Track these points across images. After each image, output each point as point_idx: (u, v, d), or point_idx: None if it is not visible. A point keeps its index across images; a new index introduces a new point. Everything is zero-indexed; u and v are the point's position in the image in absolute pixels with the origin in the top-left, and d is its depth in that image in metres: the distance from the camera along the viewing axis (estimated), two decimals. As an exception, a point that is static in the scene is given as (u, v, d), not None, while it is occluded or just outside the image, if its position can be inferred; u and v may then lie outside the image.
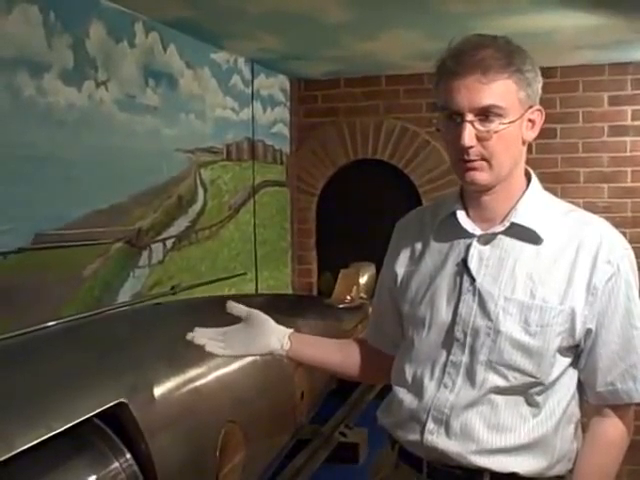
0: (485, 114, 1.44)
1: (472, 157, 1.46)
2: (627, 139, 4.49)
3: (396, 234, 1.75)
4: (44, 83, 2.60)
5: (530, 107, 1.49)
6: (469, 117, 1.44)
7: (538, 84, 1.51)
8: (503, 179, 1.51)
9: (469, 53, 1.45)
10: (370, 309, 2.17)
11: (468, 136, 1.44)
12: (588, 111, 4.51)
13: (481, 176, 1.48)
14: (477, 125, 1.44)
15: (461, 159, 1.48)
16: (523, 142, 1.52)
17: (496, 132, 1.44)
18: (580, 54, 4.13)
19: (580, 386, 1.59)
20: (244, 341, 1.66)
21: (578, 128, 4.51)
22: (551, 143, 4.37)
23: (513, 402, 1.51)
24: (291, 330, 1.72)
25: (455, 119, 1.46)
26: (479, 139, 1.45)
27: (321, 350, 1.78)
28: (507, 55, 1.45)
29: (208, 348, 1.62)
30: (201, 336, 1.63)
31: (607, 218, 1.60)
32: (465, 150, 1.45)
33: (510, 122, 1.45)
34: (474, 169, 1.48)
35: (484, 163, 1.47)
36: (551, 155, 4.42)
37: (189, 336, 1.63)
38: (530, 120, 1.51)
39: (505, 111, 1.45)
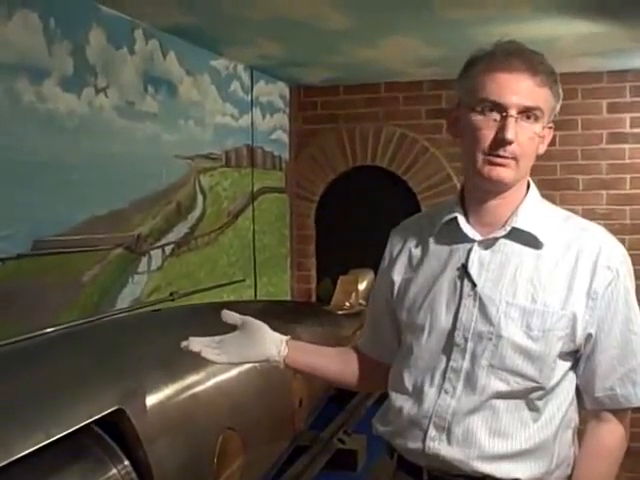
0: (527, 114, 1.46)
1: (506, 153, 1.47)
2: (626, 146, 4.50)
3: (391, 242, 1.74)
4: (44, 89, 2.60)
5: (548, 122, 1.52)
6: (513, 112, 1.45)
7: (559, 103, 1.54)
8: (517, 182, 1.53)
9: (521, 54, 1.48)
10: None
11: (512, 131, 1.45)
12: (587, 118, 4.52)
13: (507, 173, 1.49)
14: (521, 122, 1.46)
15: (491, 154, 1.47)
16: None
17: (535, 132, 1.47)
18: (579, 61, 4.14)
19: (578, 392, 1.58)
20: (240, 348, 1.65)
21: (577, 135, 4.52)
22: (550, 150, 4.30)
23: (514, 407, 1.51)
24: (287, 337, 1.71)
25: (495, 112, 1.46)
26: (517, 136, 1.46)
27: (317, 358, 1.77)
28: (550, 67, 1.50)
29: (204, 354, 1.61)
30: (195, 344, 1.62)
31: (606, 225, 1.61)
32: (504, 145, 1.45)
33: (544, 127, 1.49)
34: (502, 165, 1.48)
35: (513, 162, 1.48)
36: (550, 162, 4.42)
37: (183, 344, 1.62)
38: (542, 136, 1.52)
39: (543, 117, 1.48)
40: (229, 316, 1.67)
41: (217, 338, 1.64)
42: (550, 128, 1.54)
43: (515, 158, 1.47)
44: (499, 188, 1.52)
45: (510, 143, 1.45)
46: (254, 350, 1.66)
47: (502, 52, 1.48)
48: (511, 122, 1.45)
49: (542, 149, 1.55)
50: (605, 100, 4.51)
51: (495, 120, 1.46)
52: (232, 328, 1.67)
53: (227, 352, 1.63)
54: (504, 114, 1.45)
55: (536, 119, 1.47)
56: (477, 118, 1.48)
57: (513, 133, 1.45)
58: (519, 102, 1.45)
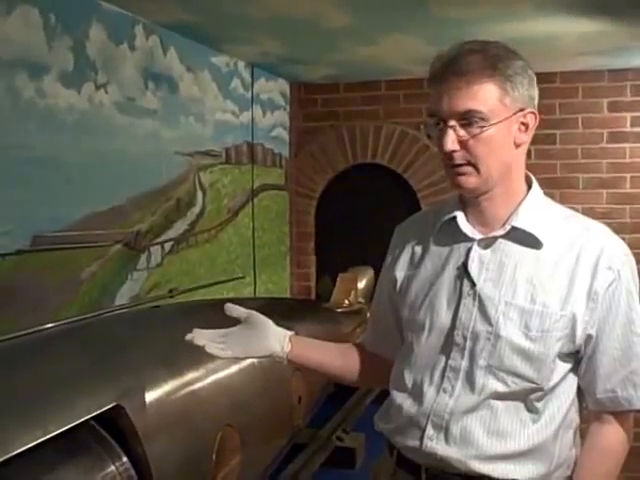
0: (467, 119, 1.45)
1: (458, 162, 1.47)
2: (626, 145, 4.50)
3: (395, 239, 1.74)
4: (44, 85, 2.59)
5: (521, 110, 1.49)
6: (451, 122, 1.46)
7: (530, 88, 1.50)
8: (496, 183, 1.51)
9: (454, 59, 1.46)
10: (368, 313, 2.17)
11: (449, 141, 1.45)
12: (587, 117, 4.52)
13: (468, 180, 1.49)
14: (458, 130, 1.45)
15: (449, 164, 1.49)
16: (516, 145, 1.51)
17: (474, 136, 1.45)
18: (580, 60, 4.14)
19: (579, 392, 1.58)
20: (243, 343, 1.64)
21: (577, 134, 4.52)
22: (550, 149, 4.37)
23: (513, 408, 1.51)
24: (291, 332, 1.71)
25: (440, 125, 1.47)
26: (461, 144, 1.46)
27: (321, 354, 1.77)
28: (491, 59, 1.46)
29: (208, 349, 1.61)
30: (200, 337, 1.62)
31: (606, 224, 1.60)
32: (449, 155, 1.47)
33: (491, 125, 1.45)
34: (462, 174, 1.49)
35: (470, 168, 1.48)
36: (550, 161, 4.42)
37: (188, 337, 1.62)
38: (523, 123, 1.50)
39: (486, 115, 1.45)
40: (234, 309, 1.67)
41: (222, 331, 1.64)
42: (532, 114, 1.49)
43: (471, 164, 1.47)
44: (471, 193, 1.53)
45: (451, 152, 1.46)
46: (258, 345, 1.66)
47: (439, 63, 1.48)
48: (447, 132, 1.46)
49: (522, 138, 1.51)
50: (606, 99, 4.50)
51: (441, 131, 1.47)
52: (235, 323, 1.66)
53: (231, 347, 1.63)
54: (442, 125, 1.46)
55: (480, 119, 1.44)
56: (433, 132, 1.50)
57: (451, 142, 1.45)
58: (451, 110, 1.45)
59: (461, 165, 1.47)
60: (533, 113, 1.50)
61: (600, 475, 1.56)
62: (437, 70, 1.48)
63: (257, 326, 1.66)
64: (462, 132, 1.45)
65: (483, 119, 1.44)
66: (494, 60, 1.45)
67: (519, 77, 1.47)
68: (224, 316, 1.68)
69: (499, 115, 1.46)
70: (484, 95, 1.44)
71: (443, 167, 1.54)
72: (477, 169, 1.48)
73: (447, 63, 1.46)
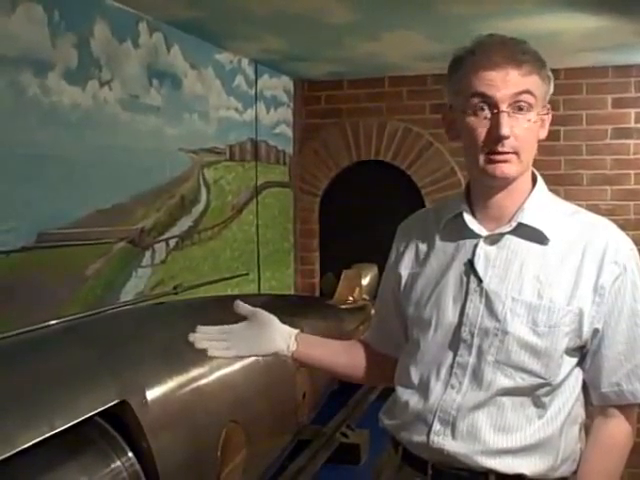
0: (518, 105, 1.45)
1: (506, 149, 1.46)
2: (631, 142, 4.49)
3: (399, 236, 1.74)
4: (48, 82, 2.60)
5: (544, 107, 1.52)
6: (504, 107, 1.45)
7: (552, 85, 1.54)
8: (522, 174, 1.52)
9: (500, 47, 1.47)
10: (372, 310, 2.17)
11: (506, 125, 1.44)
12: (592, 113, 4.51)
13: (511, 169, 1.49)
14: (513, 114, 1.45)
15: (492, 152, 1.47)
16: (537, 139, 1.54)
17: (529, 121, 1.47)
18: (584, 56, 4.13)
19: (584, 387, 1.58)
20: (248, 341, 1.64)
21: (582, 130, 4.51)
22: (554, 145, 4.36)
23: (519, 403, 1.51)
24: (297, 331, 1.70)
25: (487, 111, 1.46)
26: (513, 130, 1.45)
27: (327, 353, 1.77)
28: (534, 53, 1.50)
29: (210, 352, 1.61)
30: (203, 337, 1.61)
31: (610, 220, 1.60)
32: (501, 141, 1.45)
33: (544, 115, 1.50)
34: (505, 161, 1.47)
35: (514, 156, 1.48)
36: (554, 157, 4.41)
37: (191, 338, 1.62)
38: (542, 120, 1.52)
39: (535, 103, 1.48)
40: (241, 307, 1.67)
41: (226, 327, 1.63)
42: (547, 113, 1.54)
43: (516, 152, 1.47)
44: (504, 183, 1.52)
45: (506, 138, 1.45)
46: (263, 343, 1.66)
47: (483, 50, 1.48)
48: (504, 117, 1.45)
49: (543, 134, 1.54)
50: (610, 95, 4.49)
51: (487, 118, 1.46)
52: (240, 319, 1.66)
53: (235, 345, 1.62)
54: (495, 111, 1.45)
55: (529, 107, 1.47)
56: (470, 119, 1.48)
57: (508, 128, 1.45)
58: (508, 94, 1.45)
59: (507, 153, 1.47)
60: (549, 109, 1.54)
61: (605, 468, 1.56)
62: (482, 56, 1.47)
63: (262, 324, 1.66)
64: (518, 115, 1.46)
65: (532, 106, 1.47)
66: (537, 54, 1.50)
67: (550, 76, 1.52)
68: (228, 313, 1.68)
69: (540, 107, 1.50)
70: (536, 84, 1.48)
71: (472, 157, 1.50)
72: (519, 157, 1.48)
73: (498, 49, 1.46)
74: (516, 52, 1.47)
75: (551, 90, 1.54)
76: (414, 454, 1.58)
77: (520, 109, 1.46)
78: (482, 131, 1.47)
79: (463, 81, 1.49)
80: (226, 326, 1.64)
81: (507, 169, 1.48)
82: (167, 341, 2.13)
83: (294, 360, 1.71)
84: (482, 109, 1.47)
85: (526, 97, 1.46)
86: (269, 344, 1.66)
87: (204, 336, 1.62)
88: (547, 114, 1.54)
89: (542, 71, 1.49)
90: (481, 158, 1.49)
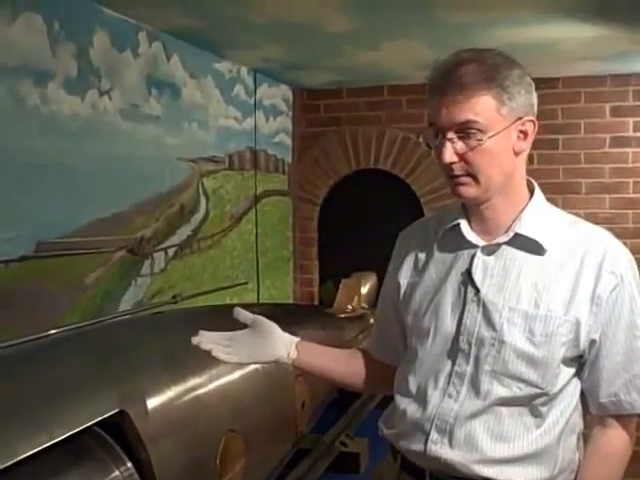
0: (464, 131, 1.45)
1: (457, 173, 1.48)
2: (629, 150, 4.50)
3: (399, 245, 1.75)
4: (48, 92, 2.61)
5: (519, 119, 1.49)
6: (449, 134, 1.46)
7: (528, 96, 1.50)
8: (496, 192, 1.51)
9: (450, 69, 1.46)
10: (371, 319, 2.17)
11: (448, 153, 1.47)
12: (590, 122, 4.52)
13: (468, 191, 1.50)
14: (456, 142, 1.46)
15: (448, 174, 1.50)
16: (516, 154, 1.51)
17: (472, 149, 1.45)
18: (582, 65, 4.14)
19: (582, 397, 1.58)
20: (250, 348, 1.65)
21: (580, 139, 4.52)
22: (553, 154, 4.37)
23: (517, 412, 1.51)
24: (298, 339, 1.71)
25: (438, 136, 1.48)
26: (460, 155, 1.46)
27: (327, 361, 1.77)
28: (488, 71, 1.45)
29: (214, 353, 1.61)
30: (207, 341, 1.62)
31: (608, 229, 1.60)
32: (448, 167, 1.47)
33: (489, 137, 1.45)
34: (462, 184, 1.50)
35: (469, 178, 1.49)
36: (553, 166, 4.42)
37: (195, 340, 1.62)
38: (522, 131, 1.50)
39: (484, 126, 1.45)
40: (241, 314, 1.67)
41: (227, 334, 1.64)
42: (531, 122, 1.49)
43: (470, 174, 1.48)
44: (472, 202, 1.54)
45: (450, 164, 1.46)
46: (264, 351, 1.66)
47: (437, 73, 1.49)
48: (446, 144, 1.46)
49: (520, 146, 1.51)
50: (608, 104, 4.50)
51: (440, 142, 1.48)
52: (240, 327, 1.67)
53: (237, 352, 1.63)
54: (440, 137, 1.47)
55: (477, 131, 1.44)
56: (433, 141, 1.51)
57: (449, 154, 1.46)
58: (449, 122, 1.45)
59: (460, 176, 1.48)
60: (532, 121, 1.51)
61: (603, 478, 1.56)
62: (435, 81, 1.48)
63: (263, 331, 1.67)
64: (460, 144, 1.46)
65: (480, 130, 1.45)
66: (491, 71, 1.45)
67: (516, 87, 1.47)
68: (228, 321, 1.68)
69: (496, 126, 1.46)
70: (481, 107, 1.44)
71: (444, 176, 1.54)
72: (476, 179, 1.48)
73: (444, 74, 1.47)
74: (463, 74, 1.44)
75: (526, 102, 1.48)
76: (412, 462, 1.59)
77: (467, 134, 1.45)
78: (437, 155, 1.49)
79: (429, 103, 1.52)
80: (227, 332, 1.64)
81: (464, 191, 1.50)
82: (166, 351, 2.13)
83: (294, 368, 1.71)
84: (436, 134, 1.49)
85: (468, 125, 1.44)
86: (270, 352, 1.67)
87: (207, 339, 1.62)
88: (530, 123, 1.49)
89: (496, 89, 1.44)
90: (446, 180, 1.53)
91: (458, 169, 1.48)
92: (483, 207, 1.54)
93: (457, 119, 1.44)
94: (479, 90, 1.44)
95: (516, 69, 1.48)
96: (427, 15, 3.07)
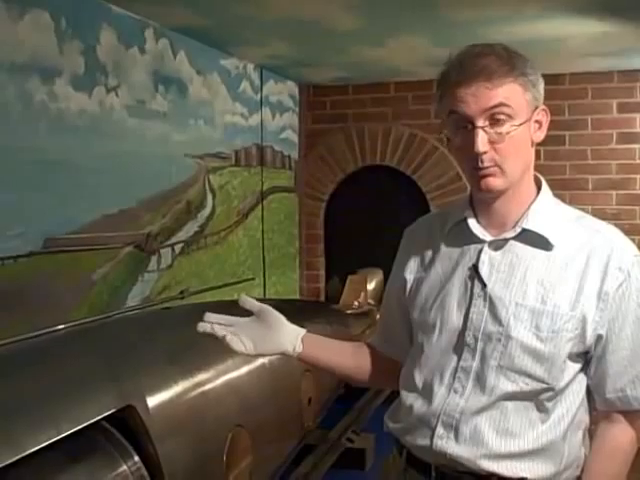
0: (495, 118, 1.44)
1: (486, 164, 1.46)
2: (636, 146, 4.49)
3: (405, 241, 1.75)
4: (55, 89, 2.62)
5: (536, 108, 1.50)
6: (480, 122, 1.45)
7: (541, 85, 1.51)
8: (515, 183, 1.51)
9: (471, 62, 1.45)
10: (378, 315, 2.17)
11: (481, 142, 1.44)
12: (597, 118, 4.51)
13: (495, 182, 1.48)
14: (489, 130, 1.45)
15: (475, 167, 1.47)
16: (532, 144, 1.52)
17: (508, 133, 1.45)
18: (589, 61, 4.13)
19: (589, 393, 1.58)
20: (255, 339, 1.63)
21: (587, 135, 4.51)
22: (560, 150, 4.37)
23: (523, 408, 1.51)
24: (304, 331, 1.69)
25: (466, 127, 1.47)
26: (492, 144, 1.45)
27: (332, 355, 1.76)
28: (508, 60, 1.46)
29: (228, 339, 1.58)
30: (220, 329, 1.59)
31: (616, 225, 1.60)
32: (479, 157, 1.45)
33: (520, 124, 1.46)
34: (489, 175, 1.48)
35: (497, 169, 1.47)
36: (560, 162, 4.41)
37: (206, 328, 1.59)
38: (537, 121, 1.51)
39: (514, 112, 1.45)
40: (248, 302, 1.65)
41: (232, 319, 1.62)
42: (544, 111, 1.50)
43: (498, 165, 1.47)
44: (495, 195, 1.53)
45: (483, 154, 1.45)
46: (269, 342, 1.64)
47: (454, 66, 1.47)
48: (478, 133, 1.44)
49: (538, 137, 1.51)
50: (615, 100, 4.49)
51: (467, 134, 1.47)
52: (247, 314, 1.65)
53: (243, 341, 1.61)
54: (470, 127, 1.46)
55: (508, 118, 1.44)
56: (453, 136, 1.49)
57: (483, 143, 1.44)
58: (481, 107, 1.44)
59: (489, 167, 1.47)
60: (544, 110, 1.52)
61: (609, 475, 1.56)
62: (455, 74, 1.47)
63: (270, 322, 1.65)
64: (492, 131, 1.45)
65: (511, 116, 1.45)
66: (511, 60, 1.46)
67: (534, 76, 1.49)
68: (235, 316, 1.67)
69: (524, 113, 1.47)
70: (510, 92, 1.45)
71: (463, 169, 1.52)
72: (502, 170, 1.47)
73: (466, 66, 1.45)
74: (487, 63, 1.44)
75: (541, 91, 1.50)
76: (418, 457, 1.59)
77: (497, 121, 1.45)
78: (464, 147, 1.47)
79: (443, 99, 1.50)
80: (232, 317, 1.62)
81: (492, 183, 1.49)
82: (174, 346, 2.14)
83: (299, 361, 1.70)
84: (463, 126, 1.47)
85: (501, 109, 1.44)
86: (275, 344, 1.65)
87: (214, 319, 1.60)
88: (543, 113, 1.51)
89: (521, 77, 1.46)
90: (469, 173, 1.50)
91: (488, 159, 1.46)
92: (498, 200, 1.53)
93: (488, 104, 1.43)
94: (507, 77, 1.44)
95: (527, 59, 1.49)
96: (433, 12, 3.07)
